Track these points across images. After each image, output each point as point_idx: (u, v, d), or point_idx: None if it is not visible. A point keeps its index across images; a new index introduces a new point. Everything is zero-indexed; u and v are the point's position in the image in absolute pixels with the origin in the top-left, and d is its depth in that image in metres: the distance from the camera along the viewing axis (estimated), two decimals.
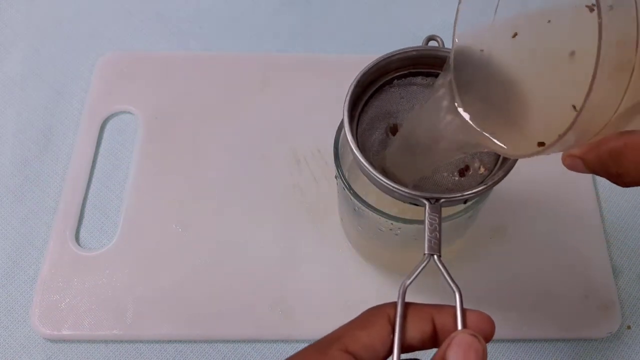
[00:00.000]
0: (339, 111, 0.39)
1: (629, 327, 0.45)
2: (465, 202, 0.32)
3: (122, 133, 0.53)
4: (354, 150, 0.32)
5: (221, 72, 0.56)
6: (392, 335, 0.27)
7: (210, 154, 0.51)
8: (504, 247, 0.47)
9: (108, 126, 0.53)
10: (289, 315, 0.44)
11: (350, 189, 0.37)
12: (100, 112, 0.53)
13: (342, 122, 0.39)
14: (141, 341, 0.44)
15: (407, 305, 0.28)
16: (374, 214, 0.36)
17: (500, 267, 0.46)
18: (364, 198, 0.36)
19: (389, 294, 0.45)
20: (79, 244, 0.47)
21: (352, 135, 0.33)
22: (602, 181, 0.51)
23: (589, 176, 0.50)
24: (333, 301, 0.45)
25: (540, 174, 0.50)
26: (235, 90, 0.55)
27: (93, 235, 0.48)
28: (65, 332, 0.44)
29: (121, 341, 0.44)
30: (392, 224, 0.36)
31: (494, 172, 0.34)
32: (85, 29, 0.60)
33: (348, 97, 0.34)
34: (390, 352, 0.27)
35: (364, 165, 0.32)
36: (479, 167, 0.35)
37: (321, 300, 0.45)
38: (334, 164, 0.38)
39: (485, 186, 0.31)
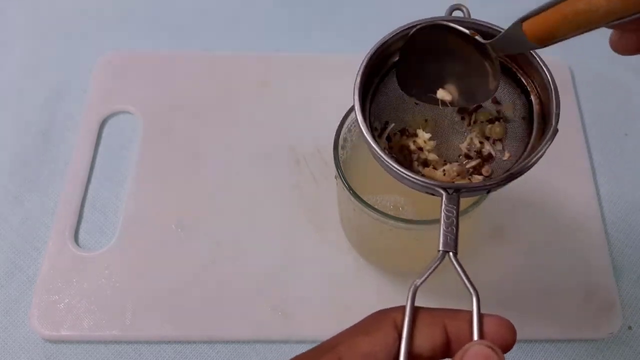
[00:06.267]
0: (339, 111, 0.39)
1: (630, 328, 0.45)
2: (488, 192, 0.29)
3: (121, 133, 0.53)
4: (366, 135, 0.29)
5: (221, 71, 0.56)
6: (398, 343, 0.24)
7: (209, 154, 0.51)
8: (504, 247, 0.47)
9: (107, 126, 0.53)
10: (289, 315, 0.44)
11: (350, 189, 0.36)
12: (99, 112, 0.53)
13: (341, 122, 0.39)
14: (140, 342, 0.44)
15: (416, 310, 0.25)
16: (374, 214, 0.36)
17: (501, 267, 0.46)
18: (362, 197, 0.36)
19: (389, 294, 0.45)
20: (78, 245, 0.47)
21: (364, 117, 0.30)
22: (603, 181, 0.51)
23: (590, 176, 0.50)
24: (333, 302, 0.45)
25: (541, 174, 0.50)
26: (234, 90, 0.55)
27: (92, 236, 0.48)
28: (64, 333, 0.44)
29: (120, 342, 0.44)
30: (392, 224, 0.36)
31: (520, 160, 0.31)
32: (85, 29, 0.60)
33: (360, 72, 0.31)
34: None
35: (376, 151, 0.29)
36: (504, 153, 0.32)
37: (321, 301, 0.45)
38: (333, 164, 0.38)
39: (509, 174, 0.29)
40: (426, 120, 0.34)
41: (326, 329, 0.42)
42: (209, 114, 0.53)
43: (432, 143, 0.34)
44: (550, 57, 0.54)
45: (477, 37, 0.31)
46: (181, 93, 0.54)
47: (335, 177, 0.38)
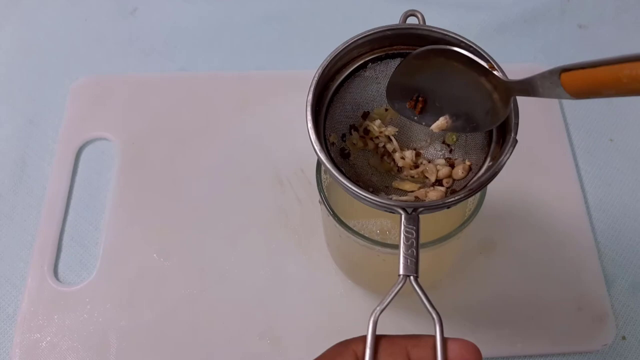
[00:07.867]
0: None
1: (623, 338, 0.44)
2: (448, 207, 0.29)
3: (98, 161, 0.51)
4: (319, 154, 0.28)
5: (199, 93, 0.54)
6: None
7: (190, 179, 0.50)
8: (494, 261, 0.46)
9: (84, 154, 0.52)
10: (277, 342, 0.43)
11: (334, 215, 0.35)
12: (75, 140, 0.52)
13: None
14: None
15: (378, 339, 0.25)
16: (360, 240, 0.35)
17: (491, 282, 0.46)
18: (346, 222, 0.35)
19: (379, 317, 0.44)
20: (58, 279, 0.46)
21: (317, 135, 0.29)
22: (591, 188, 0.50)
23: (577, 184, 0.50)
24: (322, 326, 0.44)
25: (529, 186, 0.50)
26: (214, 111, 0.53)
27: (72, 269, 0.47)
28: None
29: None
30: (379, 250, 0.35)
31: (479, 175, 0.30)
32: (57, 54, 0.58)
33: (312, 89, 0.30)
34: None
35: (333, 173, 0.28)
36: (464, 162, 0.32)
37: (309, 326, 0.44)
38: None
39: (468, 190, 0.28)
40: (386, 110, 0.33)
41: (316, 354, 0.41)
42: (189, 137, 0.52)
43: (392, 129, 0.33)
44: (532, 64, 0.54)
45: (496, 72, 0.29)
46: (159, 117, 0.53)
47: (319, 202, 0.37)
